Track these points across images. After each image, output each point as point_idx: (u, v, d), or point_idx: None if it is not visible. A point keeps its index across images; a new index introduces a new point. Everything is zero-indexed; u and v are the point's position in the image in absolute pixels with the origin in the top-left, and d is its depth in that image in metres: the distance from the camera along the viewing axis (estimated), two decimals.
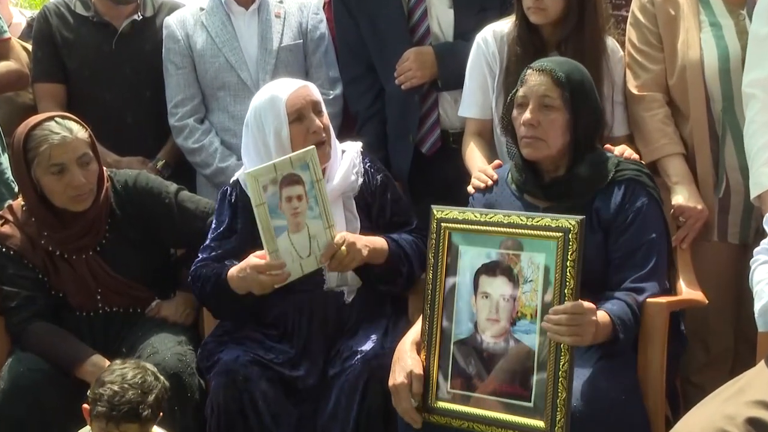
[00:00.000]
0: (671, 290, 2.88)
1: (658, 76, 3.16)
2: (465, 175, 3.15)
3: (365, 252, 2.91)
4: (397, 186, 3.25)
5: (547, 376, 2.45)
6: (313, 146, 2.87)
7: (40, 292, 3.11)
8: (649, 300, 2.69)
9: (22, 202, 3.17)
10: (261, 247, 2.81)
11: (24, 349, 3.05)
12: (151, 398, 2.53)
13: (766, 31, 2.82)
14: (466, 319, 2.60)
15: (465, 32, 3.39)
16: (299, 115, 2.96)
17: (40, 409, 2.94)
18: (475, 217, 2.62)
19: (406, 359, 2.66)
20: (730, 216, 3.12)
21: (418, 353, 2.66)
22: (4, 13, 4.53)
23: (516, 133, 2.81)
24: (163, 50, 3.70)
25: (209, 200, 3.32)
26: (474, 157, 3.21)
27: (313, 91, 3.04)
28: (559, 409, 2.43)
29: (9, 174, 3.59)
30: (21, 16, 4.86)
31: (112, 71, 3.71)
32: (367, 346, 2.90)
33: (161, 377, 2.63)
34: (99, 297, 3.15)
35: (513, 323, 2.53)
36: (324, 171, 3.00)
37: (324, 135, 2.99)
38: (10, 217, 3.16)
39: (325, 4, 3.85)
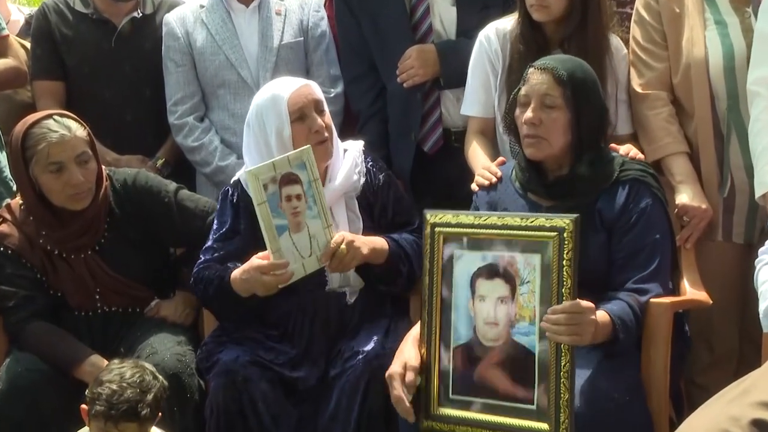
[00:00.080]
0: (675, 291, 2.87)
1: (663, 74, 3.15)
2: (467, 174, 3.14)
3: (365, 250, 2.90)
4: (399, 185, 3.24)
5: (548, 377, 2.44)
6: (309, 146, 2.86)
7: (38, 292, 3.10)
8: (652, 300, 2.68)
9: (21, 201, 3.16)
10: (263, 248, 2.80)
11: (22, 349, 3.04)
12: (149, 397, 2.52)
13: None
14: (464, 324, 2.59)
15: (468, 30, 3.38)
16: (301, 114, 2.95)
17: (38, 410, 2.93)
18: (469, 220, 2.61)
19: (405, 351, 2.66)
20: (734, 215, 3.11)
21: (419, 350, 2.65)
22: (2, 10, 4.52)
23: (519, 132, 2.80)
24: (163, 48, 3.68)
25: (209, 199, 3.31)
26: (477, 155, 3.19)
27: (315, 90, 3.02)
28: (562, 410, 2.42)
29: (7, 172, 3.59)
30: (19, 13, 4.85)
31: (112, 69, 3.70)
32: (369, 346, 2.89)
33: (160, 377, 2.62)
34: (98, 297, 3.14)
35: (512, 326, 2.51)
36: (326, 170, 3.01)
37: (326, 134, 2.98)
38: (8, 216, 3.15)
39: (326, 1, 3.83)
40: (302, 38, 3.68)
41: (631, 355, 2.70)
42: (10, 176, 3.54)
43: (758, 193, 2.82)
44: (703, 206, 3.05)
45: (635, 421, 2.60)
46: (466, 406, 2.56)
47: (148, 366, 2.64)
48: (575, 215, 2.47)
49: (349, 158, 3.06)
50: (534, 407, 2.47)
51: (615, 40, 3.18)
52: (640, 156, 2.92)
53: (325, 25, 3.73)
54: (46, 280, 3.12)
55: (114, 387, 2.51)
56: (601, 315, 2.54)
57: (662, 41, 3.15)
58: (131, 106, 3.71)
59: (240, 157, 3.45)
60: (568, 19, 3.08)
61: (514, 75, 3.07)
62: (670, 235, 2.80)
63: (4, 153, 3.58)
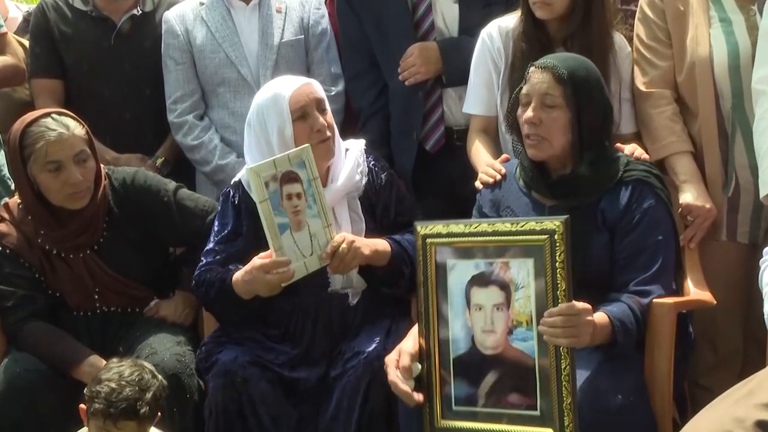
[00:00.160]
0: (679, 291, 2.86)
1: (667, 72, 3.14)
2: (469, 173, 3.13)
3: (366, 251, 2.90)
4: (401, 185, 3.23)
5: (550, 381, 2.44)
6: (308, 144, 2.85)
7: (36, 292, 3.09)
8: (656, 300, 2.67)
9: (19, 200, 3.15)
10: (265, 249, 2.79)
11: (20, 350, 3.03)
12: (148, 396, 2.52)
13: None
14: (462, 334, 2.57)
15: (470, 27, 3.37)
16: (303, 113, 2.93)
17: (36, 410, 2.92)
18: (460, 228, 2.59)
19: (404, 341, 2.67)
20: (739, 215, 3.10)
21: (419, 342, 2.65)
22: (0, 7, 4.50)
23: (521, 131, 2.79)
24: (162, 45, 3.67)
25: (209, 198, 3.31)
26: (480, 154, 3.19)
27: (317, 89, 3.01)
28: (566, 414, 2.41)
29: (5, 171, 3.58)
30: (17, 11, 4.83)
31: (111, 67, 3.69)
32: (370, 347, 2.88)
33: (159, 375, 2.62)
34: (96, 296, 3.13)
35: (509, 332, 2.51)
36: (328, 170, 2.99)
37: (328, 133, 2.96)
38: (6, 215, 3.14)
39: None
40: (303, 36, 3.67)
41: (635, 357, 2.69)
42: (8, 175, 3.53)
43: (763, 193, 2.81)
44: (707, 206, 3.04)
45: (639, 423, 2.59)
46: (470, 416, 2.56)
47: (147, 365, 2.64)
48: (565, 216, 2.46)
49: (351, 158, 3.05)
50: (538, 413, 2.46)
51: (618, 38, 3.17)
52: (645, 156, 2.90)
53: (326, 22, 3.71)
54: (45, 279, 3.11)
55: (113, 385, 2.51)
56: (601, 317, 2.53)
57: (666, 39, 3.14)
58: (131, 104, 3.70)
59: (240, 155, 3.45)
60: (571, 16, 3.07)
61: (516, 73, 3.06)
62: (673, 236, 2.79)
63: (2, 151, 3.59)
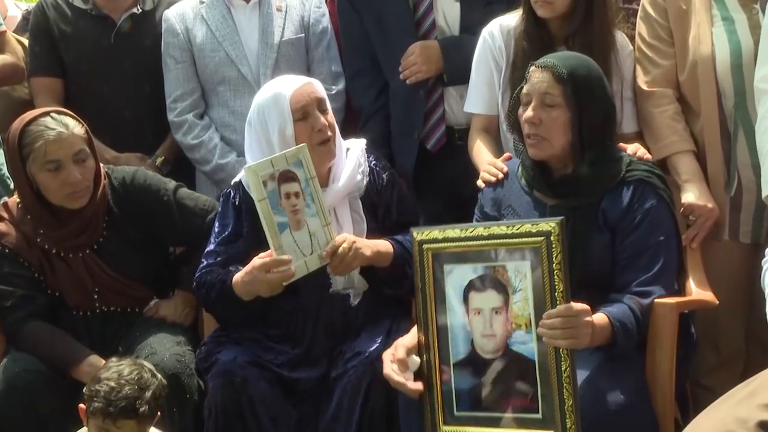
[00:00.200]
0: (681, 292, 2.85)
1: (669, 71, 3.13)
2: (471, 173, 3.12)
3: (368, 252, 2.89)
4: (403, 184, 3.22)
5: (551, 384, 2.43)
6: (305, 144, 2.85)
7: (36, 291, 3.09)
8: (657, 300, 2.66)
9: (18, 200, 3.14)
10: (266, 250, 2.79)
11: (19, 350, 3.02)
12: (148, 394, 2.52)
13: None
14: (461, 339, 2.57)
15: (471, 26, 3.36)
16: (304, 113, 2.93)
17: (36, 411, 2.92)
18: (456, 233, 2.59)
19: (403, 337, 2.67)
20: (741, 215, 3.09)
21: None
22: None
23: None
24: (162, 44, 3.66)
25: (209, 197, 3.30)
26: (481, 153, 3.18)
27: (318, 89, 3.00)
28: (568, 416, 2.41)
29: (5, 170, 3.56)
30: (16, 9, 4.82)
31: (111, 65, 3.68)
32: (371, 347, 2.87)
33: (158, 374, 2.62)
34: (96, 296, 3.13)
35: (509, 336, 2.50)
36: (329, 170, 2.98)
37: (329, 133, 2.95)
38: (5, 215, 3.13)
39: None
40: (303, 35, 3.66)
41: (636, 357, 2.68)
42: (7, 174, 3.52)
43: (765, 192, 2.78)
44: (710, 205, 3.03)
45: (640, 423, 2.58)
46: (472, 421, 2.55)
47: (147, 364, 2.64)
48: (560, 218, 2.46)
49: (353, 158, 3.04)
50: (539, 416, 2.45)
51: (620, 37, 3.16)
52: (648, 156, 2.89)
53: (326, 21, 3.71)
54: (44, 279, 3.10)
55: (112, 384, 2.51)
56: (600, 318, 2.53)
57: (668, 38, 3.13)
58: (130, 103, 3.69)
59: (240, 154, 3.44)
60: (573, 15, 3.06)
61: (517, 72, 3.05)
62: (675, 236, 2.78)
63: (1, 150, 3.58)
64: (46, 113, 3.02)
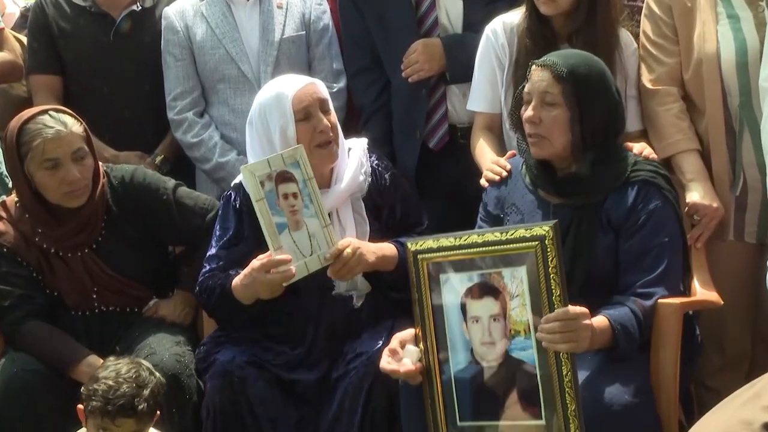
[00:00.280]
0: (686, 293, 2.84)
1: (673, 69, 3.12)
2: (474, 171, 3.11)
3: (371, 258, 2.88)
4: (405, 184, 3.21)
5: (552, 389, 2.43)
6: (301, 144, 2.84)
7: (34, 291, 3.08)
8: (661, 301, 2.65)
9: (16, 198, 3.13)
10: (267, 252, 2.77)
11: (18, 350, 3.02)
12: (146, 392, 2.53)
13: None
14: (461, 349, 2.56)
15: (474, 24, 3.35)
16: (306, 114, 2.91)
17: (34, 411, 2.92)
18: (450, 242, 2.58)
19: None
20: (747, 214, 3.07)
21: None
22: None
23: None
24: (162, 42, 3.65)
25: (209, 196, 3.29)
26: (484, 151, 3.17)
27: (321, 89, 2.98)
28: (571, 420, 2.40)
29: (3, 169, 3.55)
30: (14, 6, 4.82)
31: (110, 63, 3.67)
32: (372, 347, 2.86)
33: (156, 373, 2.62)
34: (95, 296, 3.12)
35: (508, 343, 2.49)
36: (332, 171, 2.96)
37: (331, 134, 2.93)
38: (3, 214, 3.13)
39: None
40: (304, 32, 3.65)
41: (640, 358, 2.67)
42: (5, 173, 3.51)
43: None
44: (714, 205, 3.02)
45: (644, 425, 2.58)
46: (475, 431, 2.54)
47: (145, 362, 2.65)
48: (554, 221, 2.46)
49: (355, 158, 3.03)
50: (543, 422, 2.45)
51: (624, 35, 3.15)
52: (654, 156, 2.89)
53: (327, 18, 3.70)
54: (42, 278, 3.10)
55: (110, 382, 2.51)
56: (600, 320, 2.52)
57: (673, 36, 3.12)
58: (130, 101, 3.68)
59: (240, 153, 3.43)
60: (576, 12, 3.05)
61: (520, 70, 3.03)
62: (680, 237, 2.77)
63: (0, 149, 3.56)
64: (45, 111, 3.01)
